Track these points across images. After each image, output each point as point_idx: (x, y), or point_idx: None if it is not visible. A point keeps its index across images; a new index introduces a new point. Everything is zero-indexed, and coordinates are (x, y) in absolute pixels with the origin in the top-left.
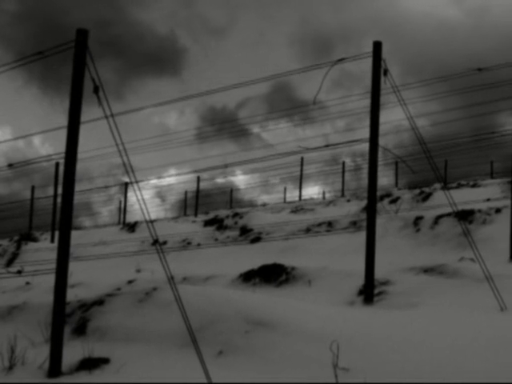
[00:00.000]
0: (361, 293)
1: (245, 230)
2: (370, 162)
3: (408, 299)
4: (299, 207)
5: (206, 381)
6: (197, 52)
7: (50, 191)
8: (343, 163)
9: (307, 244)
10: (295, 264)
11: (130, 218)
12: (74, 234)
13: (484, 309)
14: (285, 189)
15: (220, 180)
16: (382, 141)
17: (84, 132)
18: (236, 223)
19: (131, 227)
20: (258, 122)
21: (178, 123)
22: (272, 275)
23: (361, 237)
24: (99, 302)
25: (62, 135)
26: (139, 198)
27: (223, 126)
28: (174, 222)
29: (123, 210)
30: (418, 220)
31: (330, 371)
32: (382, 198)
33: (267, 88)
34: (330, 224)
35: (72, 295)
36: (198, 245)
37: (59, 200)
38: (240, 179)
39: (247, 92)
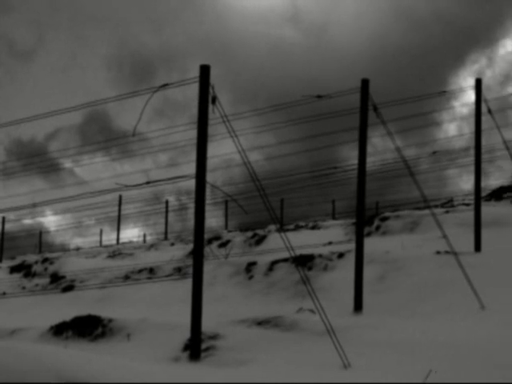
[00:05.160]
0: (186, 348)
1: (56, 278)
2: (196, 201)
3: (239, 355)
4: (117, 252)
5: None
6: (0, 77)
7: None
8: (166, 202)
9: (126, 293)
10: (113, 315)
11: None
12: None
13: (325, 366)
14: (101, 231)
15: (28, 221)
16: (210, 177)
17: None
18: (46, 269)
19: None
20: (70, 156)
21: None
22: (87, 328)
23: (186, 285)
24: None
25: None
26: None
27: (31, 160)
28: None
29: None
30: (250, 266)
31: None
32: (210, 241)
33: (80, 117)
34: (151, 270)
35: None
36: (4, 293)
37: None
38: (50, 220)
39: (58, 122)
